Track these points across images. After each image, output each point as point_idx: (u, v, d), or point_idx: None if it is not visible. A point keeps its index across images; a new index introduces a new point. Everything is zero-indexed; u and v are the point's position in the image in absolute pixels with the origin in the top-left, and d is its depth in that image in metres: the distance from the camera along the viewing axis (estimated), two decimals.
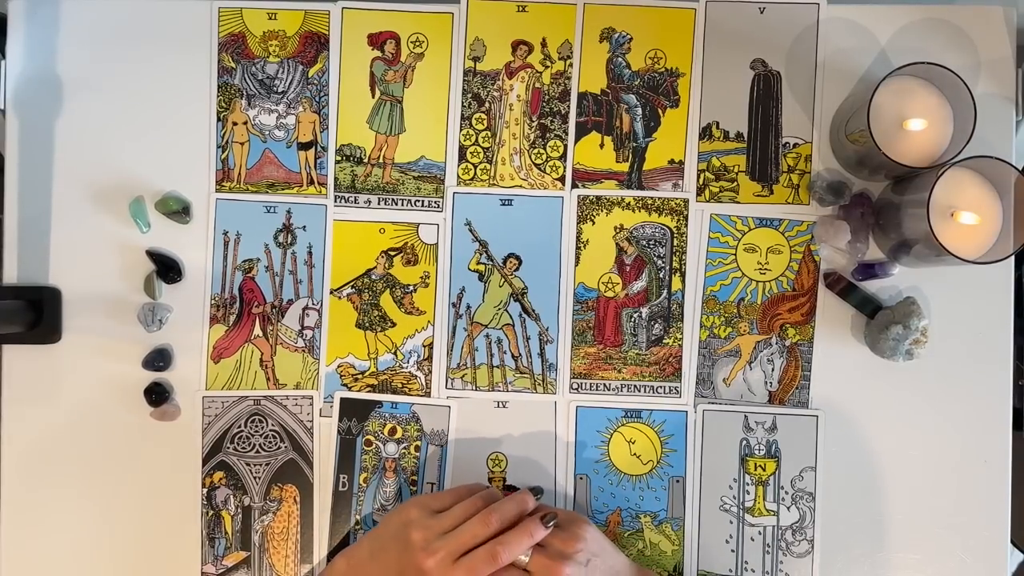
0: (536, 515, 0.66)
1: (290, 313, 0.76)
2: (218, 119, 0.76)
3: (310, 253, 0.76)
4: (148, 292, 0.75)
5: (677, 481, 0.75)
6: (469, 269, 0.76)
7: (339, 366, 0.76)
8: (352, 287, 0.76)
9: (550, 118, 0.76)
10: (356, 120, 0.76)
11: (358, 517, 0.75)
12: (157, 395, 0.74)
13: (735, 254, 0.76)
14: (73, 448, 0.75)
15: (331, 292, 0.76)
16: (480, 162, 0.76)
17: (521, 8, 0.76)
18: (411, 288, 0.76)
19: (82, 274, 0.75)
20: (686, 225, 0.76)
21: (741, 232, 0.76)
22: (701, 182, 0.76)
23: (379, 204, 0.76)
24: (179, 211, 0.75)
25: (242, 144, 0.76)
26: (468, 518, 0.66)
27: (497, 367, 0.76)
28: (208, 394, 0.75)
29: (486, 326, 0.76)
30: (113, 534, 0.75)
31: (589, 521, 0.69)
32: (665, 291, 0.76)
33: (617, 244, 0.76)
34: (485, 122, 0.76)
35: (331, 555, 0.75)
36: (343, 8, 0.76)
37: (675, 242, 0.76)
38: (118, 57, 0.76)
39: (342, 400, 0.76)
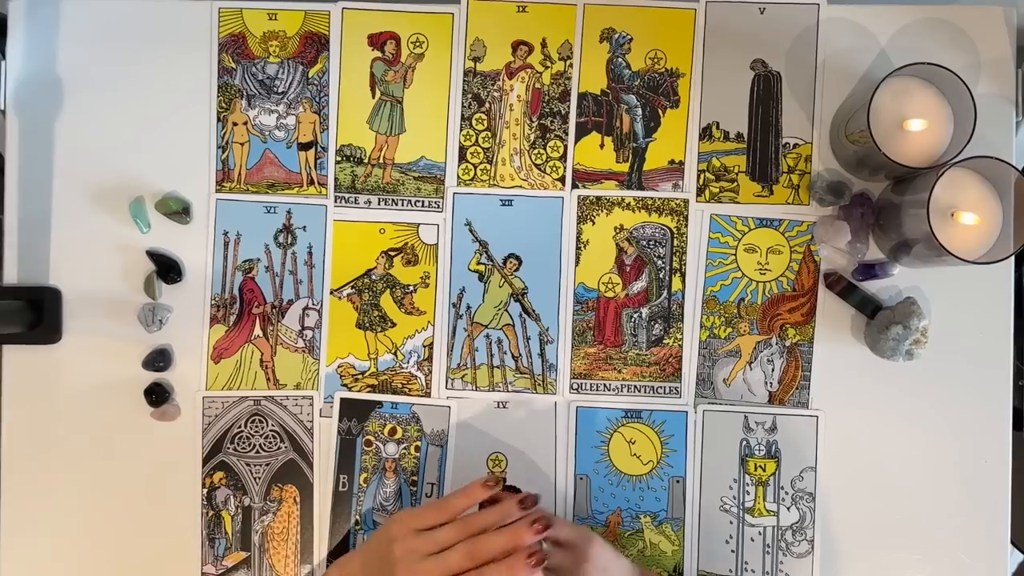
0: (524, 551, 0.62)
1: (290, 313, 0.76)
2: (218, 119, 0.76)
3: (310, 253, 0.76)
4: (148, 292, 0.75)
5: (677, 481, 0.75)
6: (469, 269, 0.76)
7: (339, 366, 0.76)
8: (352, 287, 0.76)
9: (550, 118, 0.76)
10: (356, 120, 0.76)
11: (358, 517, 0.75)
12: (157, 395, 0.74)
13: (735, 254, 0.76)
14: (73, 448, 0.75)
15: (331, 292, 0.76)
16: (480, 162, 0.76)
17: (521, 8, 0.76)
18: (411, 288, 0.76)
19: (82, 274, 0.75)
20: (686, 225, 0.76)
21: (741, 232, 0.76)
22: (701, 182, 0.76)
23: (379, 204, 0.76)
24: (179, 211, 0.75)
25: (242, 144, 0.76)
26: (456, 541, 0.63)
27: (497, 367, 0.76)
28: (208, 394, 0.75)
29: (486, 326, 0.76)
30: (113, 534, 0.75)
31: (594, 536, 0.67)
32: (665, 291, 0.76)
33: (617, 244, 0.76)
34: (485, 122, 0.76)
35: (331, 555, 0.75)
36: (343, 8, 0.76)
37: (675, 242, 0.76)
38: (118, 57, 0.76)
39: (342, 400, 0.76)
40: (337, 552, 0.75)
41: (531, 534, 0.63)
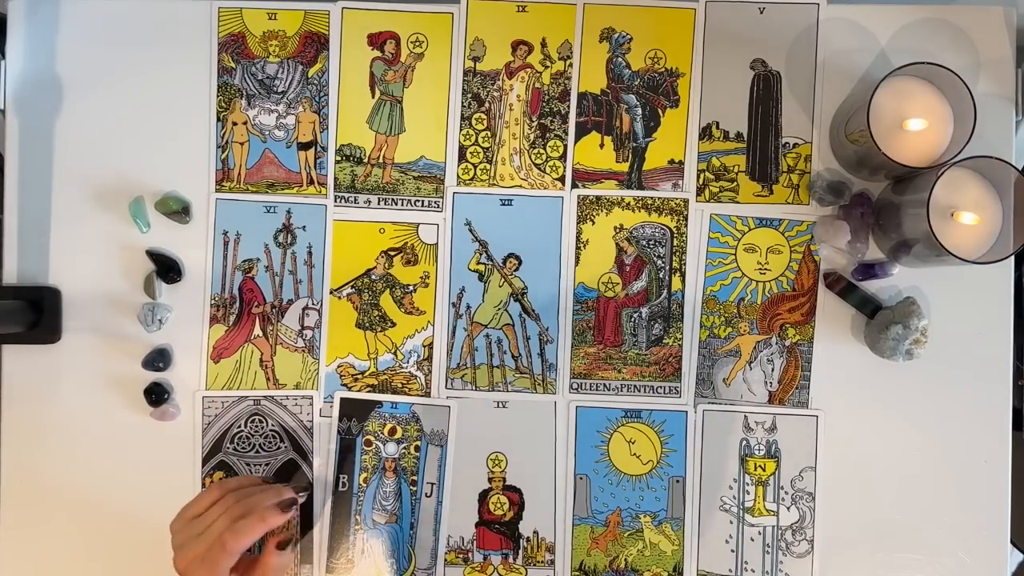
0: (273, 501, 0.66)
1: (290, 313, 0.76)
2: (218, 119, 0.76)
3: (310, 253, 0.76)
4: (148, 292, 0.75)
5: (677, 481, 0.75)
6: (469, 269, 0.76)
7: (339, 366, 0.76)
8: (352, 287, 0.76)
9: (550, 118, 0.76)
10: (356, 120, 0.76)
11: (358, 517, 0.75)
12: (157, 395, 0.74)
13: (735, 254, 0.76)
14: (73, 448, 0.75)
15: (331, 292, 0.76)
16: (480, 162, 0.76)
17: (521, 8, 0.76)
18: (411, 288, 0.76)
19: (82, 274, 0.75)
20: (686, 225, 0.76)
21: (741, 232, 0.76)
22: (701, 182, 0.76)
23: (379, 204, 0.76)
24: (179, 211, 0.75)
25: (242, 144, 0.76)
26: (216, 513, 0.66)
27: (497, 367, 0.76)
28: (208, 394, 0.75)
29: (486, 326, 0.76)
30: (113, 534, 0.75)
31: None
32: (665, 291, 0.76)
33: (617, 244, 0.76)
34: (485, 122, 0.76)
35: (331, 554, 0.75)
36: (343, 8, 0.76)
37: (675, 242, 0.76)
38: (118, 57, 0.76)
39: (342, 400, 0.76)
40: (337, 553, 0.75)
41: (276, 513, 0.66)
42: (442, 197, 0.76)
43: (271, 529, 0.65)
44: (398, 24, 0.76)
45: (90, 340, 0.75)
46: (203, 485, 0.75)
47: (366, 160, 0.76)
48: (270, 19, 0.76)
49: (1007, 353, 0.74)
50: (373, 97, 0.76)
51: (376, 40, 0.77)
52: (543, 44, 0.76)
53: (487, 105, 0.76)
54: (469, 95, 0.76)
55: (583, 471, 0.75)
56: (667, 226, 0.76)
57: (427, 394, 0.76)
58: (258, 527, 0.64)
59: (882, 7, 0.75)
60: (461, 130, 0.76)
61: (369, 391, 0.76)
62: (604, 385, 0.76)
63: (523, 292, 0.76)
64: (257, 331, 0.76)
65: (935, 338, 0.73)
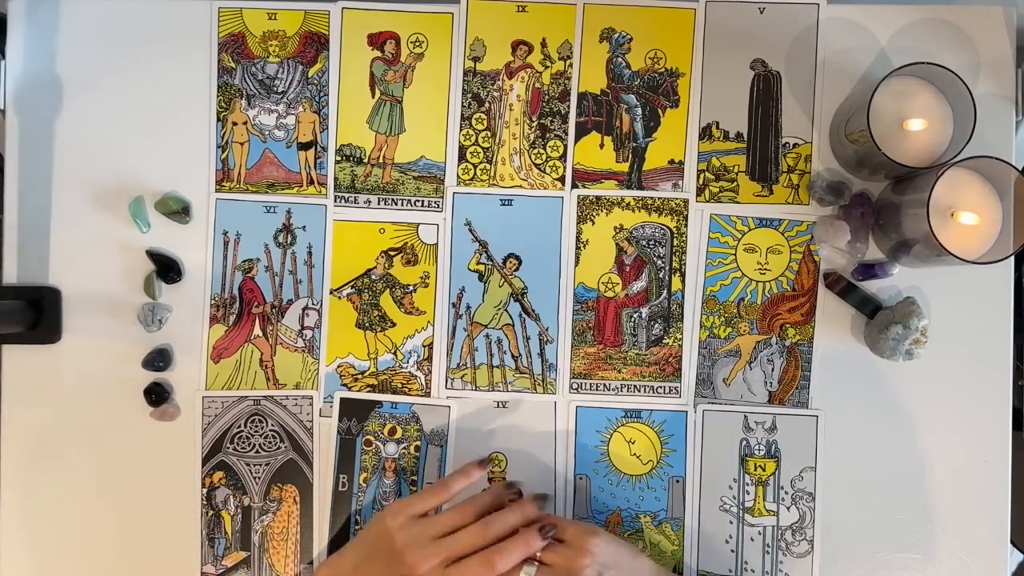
0: (535, 525, 0.66)
1: (290, 313, 0.76)
2: (218, 119, 0.76)
3: (310, 253, 0.76)
4: (148, 292, 0.75)
5: (677, 481, 0.75)
6: (469, 269, 0.76)
7: (339, 366, 0.76)
8: (352, 287, 0.76)
9: (550, 118, 0.76)
10: (356, 120, 0.76)
11: (358, 517, 0.75)
12: (157, 395, 0.74)
13: (735, 254, 0.76)
14: (73, 448, 0.75)
15: (331, 292, 0.76)
16: (480, 162, 0.76)
17: (521, 8, 0.76)
18: (411, 288, 0.76)
19: (82, 274, 0.75)
20: (686, 225, 0.76)
21: (741, 232, 0.76)
22: (701, 182, 0.76)
23: (379, 204, 0.76)
24: (179, 211, 0.75)
25: (242, 144, 0.76)
26: (459, 525, 0.65)
27: (497, 367, 0.76)
28: (208, 394, 0.75)
29: (486, 326, 0.76)
30: (113, 534, 0.75)
31: (600, 531, 0.67)
32: (665, 291, 0.76)
33: (617, 244, 0.76)
34: (485, 122, 0.76)
35: (330, 554, 0.75)
36: (343, 8, 0.76)
37: (675, 242, 0.76)
38: (118, 57, 0.76)
39: (342, 400, 0.76)
40: (335, 550, 0.75)
41: (535, 509, 0.68)
42: (442, 197, 0.76)
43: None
44: (398, 24, 0.77)
45: (90, 340, 0.75)
46: (203, 485, 0.75)
47: (366, 160, 0.76)
48: (270, 19, 0.76)
49: (1007, 353, 0.74)
50: (373, 97, 0.76)
51: (376, 40, 0.77)
52: (543, 44, 0.76)
53: (487, 105, 0.76)
54: (469, 95, 0.76)
55: (583, 471, 0.75)
56: (667, 226, 0.76)
57: (427, 394, 0.76)
58: (521, 551, 0.64)
59: (882, 7, 0.75)
60: (461, 130, 0.76)
61: (369, 391, 0.76)
62: (604, 385, 0.76)
63: (523, 292, 0.76)
64: (257, 331, 0.76)
65: (935, 338, 0.73)
